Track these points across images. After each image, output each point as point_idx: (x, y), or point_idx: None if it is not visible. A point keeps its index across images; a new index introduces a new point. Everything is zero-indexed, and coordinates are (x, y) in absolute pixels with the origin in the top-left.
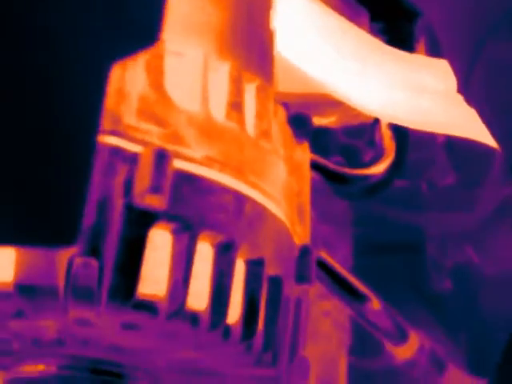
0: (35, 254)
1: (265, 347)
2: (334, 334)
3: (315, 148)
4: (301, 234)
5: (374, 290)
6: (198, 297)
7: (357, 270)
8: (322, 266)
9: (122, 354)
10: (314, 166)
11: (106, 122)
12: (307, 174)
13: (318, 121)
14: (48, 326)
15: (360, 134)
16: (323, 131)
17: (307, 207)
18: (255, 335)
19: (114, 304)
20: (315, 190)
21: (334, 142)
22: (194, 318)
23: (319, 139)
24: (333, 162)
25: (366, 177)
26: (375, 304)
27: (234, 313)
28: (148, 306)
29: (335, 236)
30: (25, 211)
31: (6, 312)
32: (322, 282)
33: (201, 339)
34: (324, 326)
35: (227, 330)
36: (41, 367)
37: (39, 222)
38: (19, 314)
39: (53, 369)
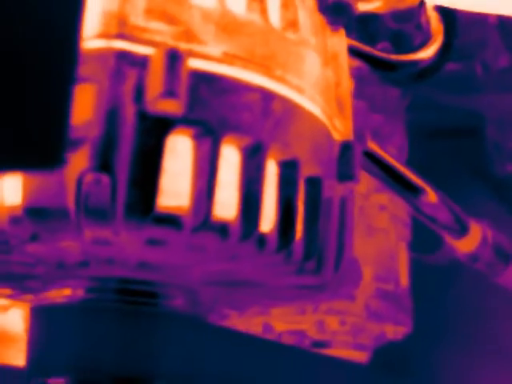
0: (43, 175)
1: (306, 255)
2: (392, 228)
3: (364, 36)
4: (342, 129)
5: (432, 180)
6: (226, 206)
7: (413, 160)
8: (373, 158)
9: (152, 272)
10: (359, 54)
11: (110, 25)
12: (345, 63)
13: (364, 7)
14: (70, 247)
15: (409, 19)
16: (371, 17)
17: (348, 99)
18: (293, 243)
19: (132, 220)
20: (363, 80)
21: (383, 29)
22: (222, 229)
23: (368, 26)
24: (379, 49)
25: (414, 62)
26: (431, 196)
27: (268, 221)
28: (170, 220)
29: (388, 125)
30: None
31: (21, 237)
32: (374, 175)
33: (233, 251)
34: (381, 221)
35: (261, 240)
36: (67, 291)
37: (17, 144)
38: (34, 238)
39: (79, 292)
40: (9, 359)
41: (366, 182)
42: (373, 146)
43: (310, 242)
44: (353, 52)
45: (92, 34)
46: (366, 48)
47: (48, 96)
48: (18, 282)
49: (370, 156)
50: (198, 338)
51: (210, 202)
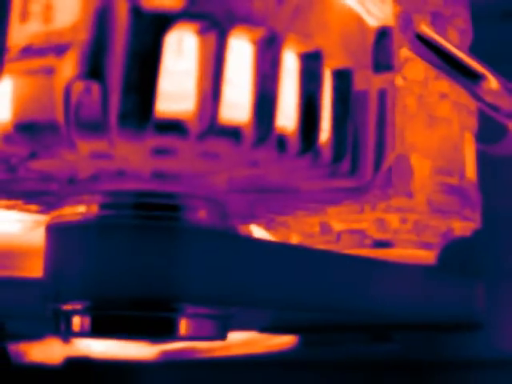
0: (32, 85)
1: (336, 156)
2: (456, 117)
3: None
4: (378, 14)
5: (500, 67)
6: (238, 107)
7: (479, 45)
8: (426, 42)
9: (170, 182)
10: None
11: None
12: None
13: None
14: (78, 162)
15: None
16: None
17: None
18: (319, 144)
19: (128, 130)
20: None
21: None
22: (233, 132)
23: None
24: None
25: None
26: (493, 83)
27: (289, 121)
28: (173, 126)
29: (449, 6)
30: None
31: (20, 155)
32: (428, 61)
33: (249, 156)
34: (442, 110)
35: (281, 142)
36: (82, 208)
37: None
38: (33, 155)
39: (94, 209)
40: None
41: (423, 68)
42: (426, 30)
43: (340, 142)
44: None
45: None
46: None
47: None
48: (37, 198)
49: (424, 40)
50: (227, 255)
51: (217, 103)
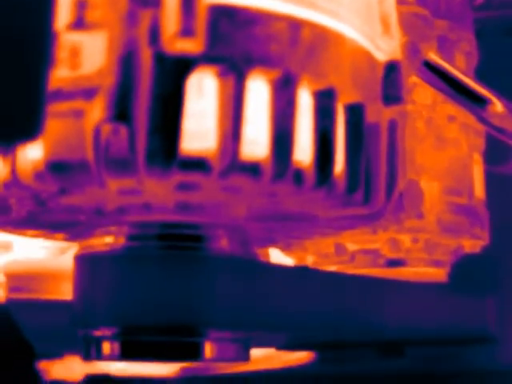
0: (62, 127)
1: (350, 187)
2: (464, 138)
3: None
4: (387, 49)
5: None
6: (257, 144)
7: (486, 62)
8: (433, 68)
9: (193, 213)
10: None
11: None
12: None
13: None
14: (105, 195)
15: None
16: None
17: (393, 15)
18: (333, 176)
19: (155, 168)
20: None
21: None
22: (253, 168)
23: None
24: None
25: None
26: (498, 106)
27: (305, 155)
28: (197, 164)
29: (455, 31)
30: None
31: (50, 191)
32: (435, 87)
33: (269, 189)
34: (450, 132)
35: (298, 176)
36: (109, 239)
37: None
38: (63, 191)
39: (121, 240)
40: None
41: (431, 93)
42: (433, 57)
43: (354, 173)
44: None
45: None
46: None
47: (20, 69)
48: (65, 228)
49: (431, 67)
50: (249, 281)
51: (237, 141)
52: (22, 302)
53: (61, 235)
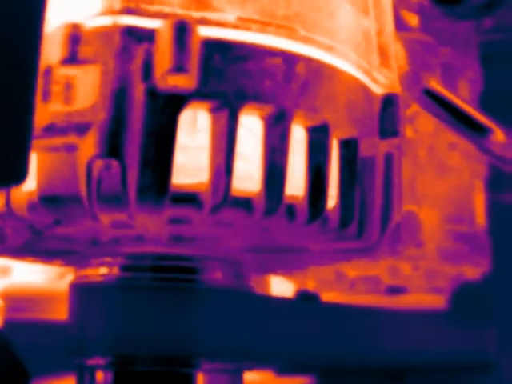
0: (55, 161)
1: (343, 222)
2: (465, 166)
3: None
4: (384, 82)
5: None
6: (249, 179)
7: (492, 89)
8: (434, 97)
9: (187, 245)
10: None
11: (114, 0)
12: (387, 8)
13: None
14: (100, 226)
15: None
16: None
17: (392, 46)
18: (326, 212)
19: (146, 204)
20: (426, 15)
21: None
22: (245, 204)
23: None
24: None
25: None
26: (499, 135)
27: (298, 190)
28: (188, 199)
29: (459, 58)
30: None
31: (44, 222)
32: (436, 115)
33: (261, 225)
34: (452, 160)
35: (291, 211)
36: (103, 270)
37: None
38: (57, 223)
39: (115, 271)
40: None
41: (433, 121)
42: (434, 85)
43: (347, 208)
44: None
45: (94, 12)
46: None
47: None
48: (61, 256)
49: (432, 95)
50: (242, 312)
51: (230, 177)
52: (19, 322)
53: (58, 262)
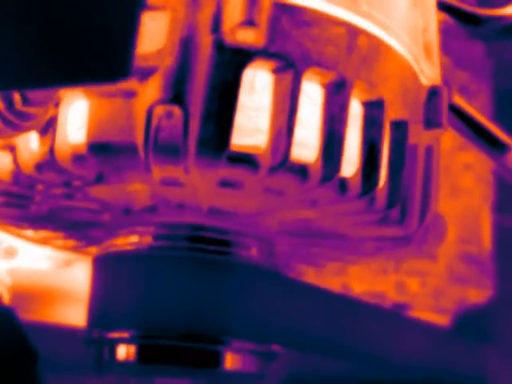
0: (109, 107)
1: (390, 203)
2: (477, 188)
3: None
4: (429, 74)
5: None
6: (306, 146)
7: (498, 120)
8: (457, 111)
9: (225, 219)
10: (445, 7)
11: None
12: (433, 8)
13: None
14: (138, 192)
15: None
16: None
17: (435, 45)
18: (376, 188)
19: (205, 158)
20: (449, 34)
21: None
22: (301, 170)
23: None
24: (465, 2)
25: (501, 17)
26: None
27: (351, 164)
28: (246, 159)
29: (474, 83)
30: (63, 45)
31: (86, 177)
32: (458, 130)
33: (312, 195)
34: (465, 180)
35: (343, 184)
36: (134, 238)
37: (82, 55)
38: (99, 179)
39: (147, 239)
40: (69, 319)
41: (450, 139)
42: (458, 100)
43: (394, 190)
44: (439, 4)
45: None
46: (453, 0)
47: (114, 7)
48: (82, 231)
49: (455, 110)
50: (273, 292)
51: (290, 141)
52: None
53: (72, 242)
